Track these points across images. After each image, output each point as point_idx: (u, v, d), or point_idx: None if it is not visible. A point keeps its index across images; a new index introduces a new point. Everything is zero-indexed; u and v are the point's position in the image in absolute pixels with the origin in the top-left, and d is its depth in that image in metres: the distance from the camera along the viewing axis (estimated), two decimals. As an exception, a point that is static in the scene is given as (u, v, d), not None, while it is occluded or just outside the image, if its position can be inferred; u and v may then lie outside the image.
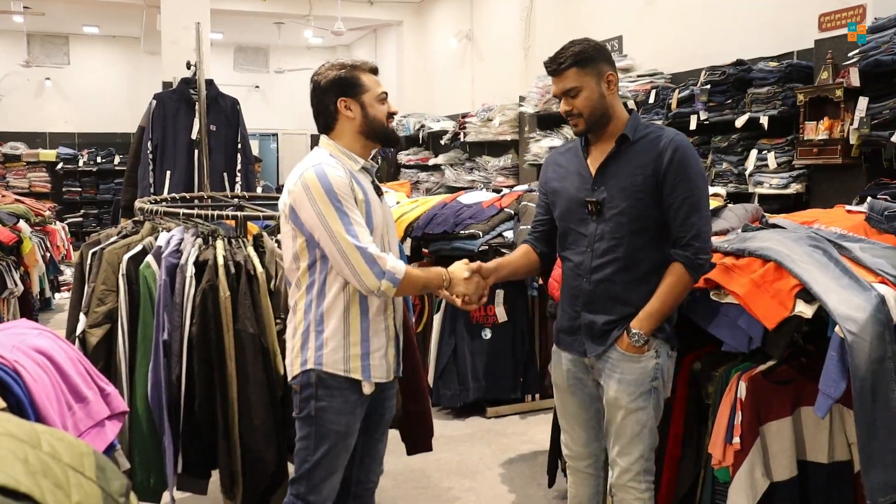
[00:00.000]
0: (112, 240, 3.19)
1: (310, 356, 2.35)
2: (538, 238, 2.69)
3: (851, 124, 4.06)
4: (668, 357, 2.45)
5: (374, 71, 2.47)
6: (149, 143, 5.57)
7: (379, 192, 2.49)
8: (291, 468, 3.00)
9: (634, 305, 2.39)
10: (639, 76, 6.24)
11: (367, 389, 2.37)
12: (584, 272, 2.46)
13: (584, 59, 2.41)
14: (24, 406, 1.63)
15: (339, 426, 2.36)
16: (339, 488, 2.48)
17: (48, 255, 7.74)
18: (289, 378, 2.45)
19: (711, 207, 3.09)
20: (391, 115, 2.47)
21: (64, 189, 12.88)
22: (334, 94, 2.39)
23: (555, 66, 2.43)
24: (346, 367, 2.34)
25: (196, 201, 3.86)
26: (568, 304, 2.56)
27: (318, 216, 2.25)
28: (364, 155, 2.46)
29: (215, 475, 2.96)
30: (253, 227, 3.28)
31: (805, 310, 2.24)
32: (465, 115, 9.16)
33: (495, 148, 8.71)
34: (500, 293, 4.87)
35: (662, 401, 2.47)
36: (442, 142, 9.53)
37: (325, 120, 2.44)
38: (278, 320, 2.93)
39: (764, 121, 4.64)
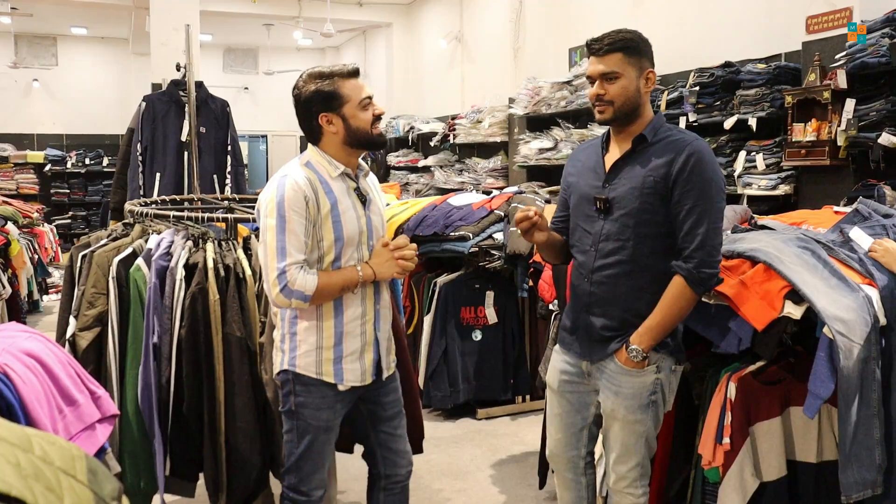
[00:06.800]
0: (102, 242, 3.18)
1: (286, 358, 2.43)
2: (558, 231, 2.61)
3: (839, 126, 4.09)
4: (672, 372, 2.40)
5: (356, 73, 2.41)
6: (138, 144, 5.55)
7: (363, 199, 2.46)
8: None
9: (635, 313, 2.34)
10: (628, 78, 6.25)
11: (343, 388, 2.44)
12: (587, 272, 2.41)
13: (631, 47, 2.35)
14: (14, 410, 1.63)
15: (317, 421, 2.42)
16: (369, 483, 2.66)
17: (36, 257, 7.70)
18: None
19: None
20: (377, 118, 2.44)
21: (52, 191, 12.80)
22: (315, 110, 2.37)
23: (599, 45, 2.35)
24: (318, 371, 2.41)
25: (186, 203, 3.85)
26: (572, 303, 2.52)
27: (263, 227, 2.33)
28: (349, 162, 2.45)
29: (203, 478, 2.95)
30: (243, 230, 3.27)
31: (794, 311, 2.26)
32: (454, 117, 9.17)
33: (485, 149, 8.73)
34: (490, 294, 4.88)
35: (662, 413, 2.43)
36: (431, 143, 9.53)
37: (311, 134, 2.44)
38: (262, 322, 2.93)
39: (752, 122, 4.66)
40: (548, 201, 5.25)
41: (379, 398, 2.56)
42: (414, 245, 2.51)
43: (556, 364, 2.59)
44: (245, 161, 7.59)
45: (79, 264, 3.13)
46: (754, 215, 3.12)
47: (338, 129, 2.38)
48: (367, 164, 2.58)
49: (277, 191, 2.30)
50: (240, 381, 2.81)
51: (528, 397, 5.00)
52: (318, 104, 2.36)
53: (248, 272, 2.91)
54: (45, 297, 8.67)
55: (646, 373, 2.34)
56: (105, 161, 12.84)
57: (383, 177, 10.41)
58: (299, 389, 2.41)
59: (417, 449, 3.18)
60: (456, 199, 5.19)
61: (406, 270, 2.48)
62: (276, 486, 3.03)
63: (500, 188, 6.80)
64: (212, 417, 2.82)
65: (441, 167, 9.35)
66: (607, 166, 2.42)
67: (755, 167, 4.67)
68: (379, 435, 2.60)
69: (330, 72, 2.38)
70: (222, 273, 2.87)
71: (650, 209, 2.30)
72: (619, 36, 2.36)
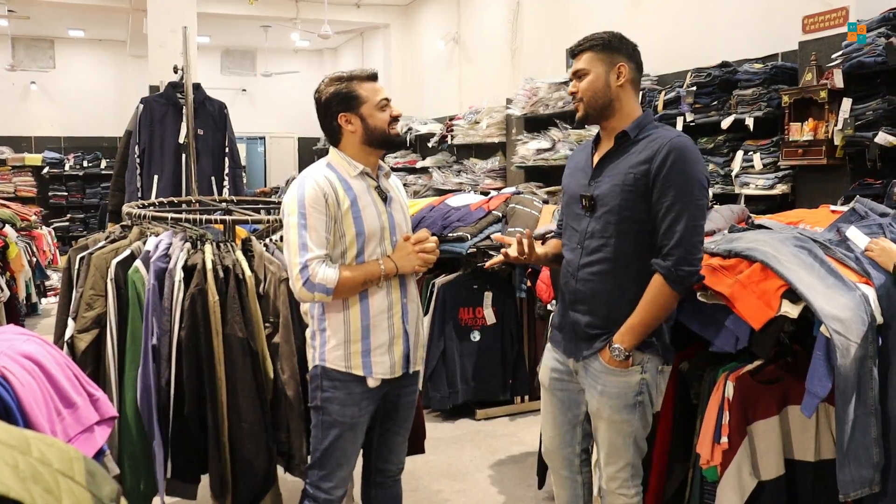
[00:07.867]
0: (100, 244, 3.17)
1: (316, 354, 2.50)
2: (560, 237, 2.66)
3: (835, 125, 4.10)
4: (658, 372, 2.40)
5: (374, 77, 2.53)
6: (136, 147, 5.54)
7: (384, 197, 2.53)
8: (280, 472, 3.01)
9: (619, 310, 2.34)
10: (625, 78, 6.26)
11: (372, 384, 2.48)
12: (573, 269, 2.44)
13: (601, 45, 2.39)
14: (12, 412, 1.63)
15: (343, 417, 2.47)
16: (363, 477, 2.69)
17: (34, 259, 7.70)
18: None
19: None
20: (395, 119, 2.53)
21: (50, 193, 12.79)
22: (334, 110, 2.48)
23: (574, 47, 2.45)
24: (347, 364, 2.46)
25: (184, 206, 3.85)
26: (560, 300, 2.56)
27: (286, 225, 2.42)
28: (369, 162, 2.53)
29: (204, 479, 2.95)
30: (241, 231, 3.27)
31: (791, 310, 2.26)
32: (452, 118, 9.17)
33: (483, 150, 8.73)
34: (488, 295, 4.88)
35: (650, 414, 2.43)
36: (429, 144, 9.54)
37: (332, 135, 2.53)
38: (267, 324, 2.93)
39: (749, 122, 4.67)
40: (545, 202, 5.26)
41: (400, 398, 2.62)
42: (435, 238, 2.58)
43: (547, 362, 2.62)
44: (243, 163, 7.58)
45: (77, 266, 3.13)
46: (751, 215, 3.13)
47: (356, 128, 2.48)
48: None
49: (298, 191, 2.41)
50: (242, 382, 2.81)
51: (526, 398, 5.00)
52: (337, 105, 2.47)
53: (248, 273, 2.91)
54: (43, 300, 8.67)
55: (630, 373, 2.34)
56: (103, 163, 12.84)
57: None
58: (326, 385, 2.46)
59: (419, 449, 3.20)
60: (454, 200, 5.19)
61: (427, 264, 2.53)
62: (284, 486, 3.04)
63: (498, 189, 6.82)
64: (214, 418, 2.82)
65: (439, 168, 9.35)
66: (594, 165, 2.45)
67: (752, 167, 4.67)
68: (383, 431, 2.65)
69: (349, 75, 2.50)
70: (221, 274, 2.87)
71: (631, 206, 2.30)
72: (592, 36, 2.43)
